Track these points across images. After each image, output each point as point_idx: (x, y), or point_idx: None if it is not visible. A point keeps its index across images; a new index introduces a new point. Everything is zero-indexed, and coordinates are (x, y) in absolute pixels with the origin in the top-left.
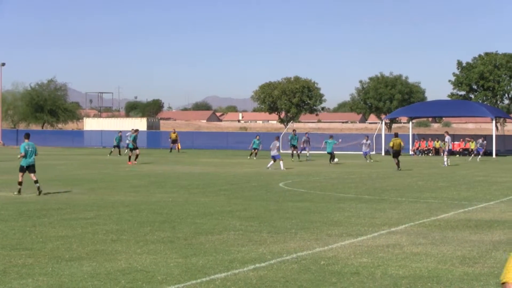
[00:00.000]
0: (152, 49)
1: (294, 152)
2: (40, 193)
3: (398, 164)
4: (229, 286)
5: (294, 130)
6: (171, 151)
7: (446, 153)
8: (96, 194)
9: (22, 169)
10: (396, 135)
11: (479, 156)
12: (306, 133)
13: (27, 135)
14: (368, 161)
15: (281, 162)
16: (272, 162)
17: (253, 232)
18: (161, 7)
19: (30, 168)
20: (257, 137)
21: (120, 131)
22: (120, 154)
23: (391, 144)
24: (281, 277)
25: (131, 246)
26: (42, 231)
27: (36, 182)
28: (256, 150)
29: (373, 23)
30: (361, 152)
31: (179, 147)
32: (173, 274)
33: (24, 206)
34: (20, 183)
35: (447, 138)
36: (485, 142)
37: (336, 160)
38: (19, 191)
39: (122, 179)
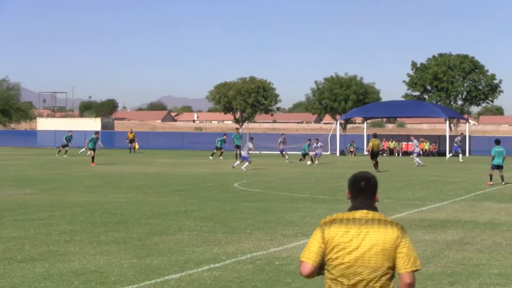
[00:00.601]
0: (107, 49)
1: (237, 152)
2: None
3: (376, 165)
4: (184, 287)
5: (237, 129)
6: (130, 151)
7: (415, 154)
8: (50, 195)
9: None
10: (374, 135)
11: (460, 155)
12: (282, 134)
13: None
14: (316, 162)
15: (246, 163)
16: (238, 162)
17: (208, 233)
18: (114, 8)
19: None
20: (225, 136)
21: (71, 131)
22: (66, 153)
23: (370, 145)
24: (235, 278)
25: (84, 247)
26: None
27: None
28: (222, 150)
29: (328, 23)
30: (313, 153)
31: (137, 147)
32: (127, 275)
33: None
34: None
35: (415, 141)
36: (460, 141)
37: (309, 162)
38: None
39: (76, 180)
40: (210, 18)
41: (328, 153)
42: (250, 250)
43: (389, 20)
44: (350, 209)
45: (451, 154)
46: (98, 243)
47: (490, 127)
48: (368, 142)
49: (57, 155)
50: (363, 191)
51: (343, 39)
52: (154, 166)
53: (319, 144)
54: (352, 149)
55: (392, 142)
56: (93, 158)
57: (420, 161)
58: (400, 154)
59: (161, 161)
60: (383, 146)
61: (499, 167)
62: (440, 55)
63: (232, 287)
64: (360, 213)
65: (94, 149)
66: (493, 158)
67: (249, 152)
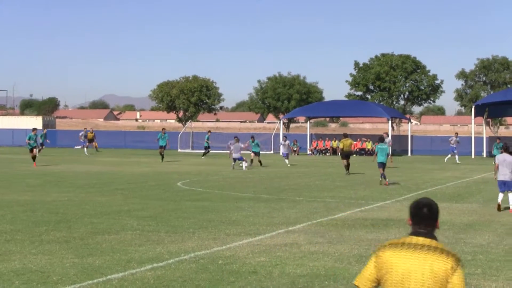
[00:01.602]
0: (49, 46)
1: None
2: None
3: (347, 167)
4: (126, 286)
5: (163, 129)
6: (84, 148)
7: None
8: None
9: None
10: (345, 135)
11: (457, 156)
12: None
13: None
14: (288, 164)
15: (244, 163)
16: (233, 163)
17: (151, 232)
18: (56, 5)
19: None
20: (209, 132)
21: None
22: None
23: (341, 145)
24: (178, 277)
25: (25, 246)
26: None
27: None
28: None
29: (271, 22)
30: (280, 153)
31: (97, 146)
32: (69, 275)
33: None
34: None
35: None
36: (458, 139)
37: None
38: None
39: (18, 178)
40: (153, 16)
41: (272, 152)
42: (194, 249)
43: (333, 19)
44: (410, 234)
45: (449, 156)
46: (40, 242)
47: (432, 127)
48: (311, 141)
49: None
50: (425, 218)
51: (286, 38)
52: (96, 165)
53: (287, 142)
54: (295, 148)
55: (335, 141)
56: (34, 157)
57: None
58: None
59: (103, 160)
60: (326, 145)
61: (383, 164)
62: (383, 55)
63: (175, 287)
64: (417, 239)
65: (35, 148)
66: (376, 155)
67: (241, 151)
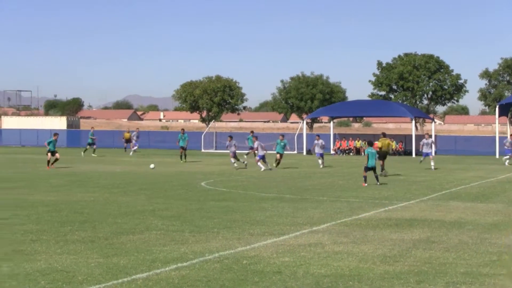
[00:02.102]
0: (72, 47)
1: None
2: None
3: (382, 166)
4: (151, 286)
5: (182, 129)
6: (125, 150)
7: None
8: (14, 194)
9: None
10: (384, 134)
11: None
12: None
13: None
14: (321, 165)
15: (259, 163)
16: (263, 162)
17: (175, 232)
18: (78, 6)
19: None
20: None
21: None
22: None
23: (379, 145)
24: (203, 277)
25: (51, 246)
26: None
27: None
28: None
29: (294, 22)
30: (315, 153)
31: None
32: (94, 274)
33: None
34: None
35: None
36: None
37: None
38: None
39: (42, 179)
40: (176, 16)
41: (295, 152)
42: (218, 249)
43: (356, 19)
44: None
45: (507, 157)
46: (65, 242)
47: (455, 127)
48: (334, 141)
49: (82, 155)
50: None
51: (309, 38)
52: (120, 165)
53: (320, 141)
54: None
55: (358, 141)
56: (49, 161)
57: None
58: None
59: (127, 160)
60: (350, 145)
61: (372, 169)
62: (406, 54)
63: (200, 286)
64: None
65: (53, 152)
66: (367, 159)
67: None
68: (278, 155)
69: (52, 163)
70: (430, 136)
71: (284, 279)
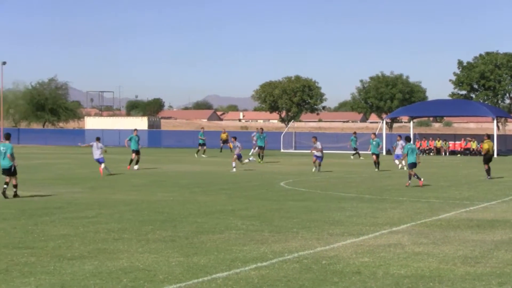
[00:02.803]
0: (153, 48)
1: (260, 152)
2: (15, 196)
3: (488, 171)
4: (231, 285)
5: (261, 129)
6: (221, 151)
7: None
8: (97, 193)
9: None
10: (488, 136)
11: None
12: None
13: (7, 136)
14: (400, 166)
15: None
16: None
17: (255, 231)
18: (161, 6)
19: (7, 172)
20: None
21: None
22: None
23: (485, 147)
24: (282, 276)
25: (132, 245)
26: (44, 229)
27: (14, 186)
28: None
29: (374, 22)
30: (394, 155)
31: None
32: (175, 273)
33: (25, 205)
34: (6, 183)
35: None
36: None
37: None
38: (3, 192)
39: (123, 178)
40: (255, 17)
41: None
42: (297, 249)
43: (436, 18)
44: None
45: None
46: (146, 241)
47: None
48: (415, 141)
49: (195, 156)
50: None
51: (389, 37)
52: (200, 165)
53: (401, 142)
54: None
55: (439, 141)
56: (131, 160)
57: None
58: (447, 153)
59: (207, 160)
60: (430, 145)
61: (413, 165)
62: (487, 53)
63: (279, 286)
64: None
65: (137, 151)
66: (406, 156)
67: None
68: (374, 156)
69: (129, 164)
70: None
71: (364, 279)
